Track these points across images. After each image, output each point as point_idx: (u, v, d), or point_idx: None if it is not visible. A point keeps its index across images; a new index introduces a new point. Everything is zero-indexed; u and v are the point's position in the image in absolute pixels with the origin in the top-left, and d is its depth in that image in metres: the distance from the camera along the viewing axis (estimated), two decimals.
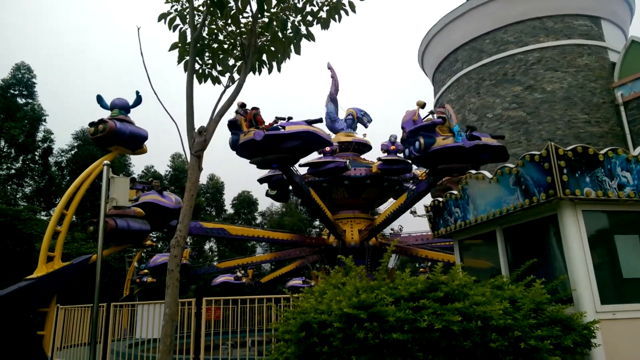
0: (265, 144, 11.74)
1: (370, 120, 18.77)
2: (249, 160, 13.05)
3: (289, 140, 11.94)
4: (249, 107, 12.83)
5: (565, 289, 5.56)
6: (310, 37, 6.38)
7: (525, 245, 6.69)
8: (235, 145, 12.47)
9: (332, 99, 18.37)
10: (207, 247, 39.99)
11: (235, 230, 16.09)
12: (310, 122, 12.58)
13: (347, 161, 15.84)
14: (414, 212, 18.54)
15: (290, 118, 12.50)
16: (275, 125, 12.13)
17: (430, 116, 11.40)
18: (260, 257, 18.39)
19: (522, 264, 5.87)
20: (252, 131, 12.10)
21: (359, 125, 19.36)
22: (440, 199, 8.23)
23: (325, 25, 6.37)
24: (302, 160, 16.26)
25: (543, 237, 6.32)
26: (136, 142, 10.88)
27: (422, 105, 11.26)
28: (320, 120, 13.68)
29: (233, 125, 12.38)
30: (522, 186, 5.93)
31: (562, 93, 22.15)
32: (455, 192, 7.76)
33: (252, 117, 12.53)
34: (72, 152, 34.77)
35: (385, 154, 15.91)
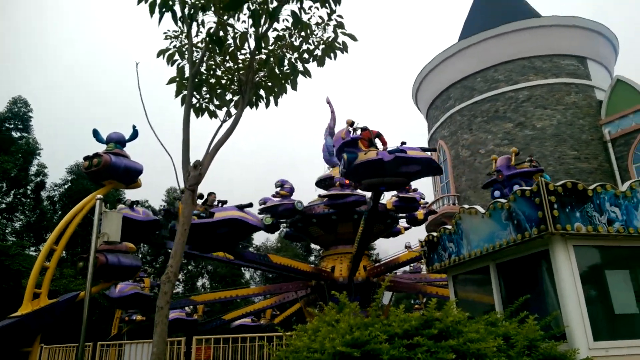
0: (389, 166, 11.01)
1: None
2: (363, 181, 12.46)
3: (412, 164, 11.45)
4: None
5: (559, 325, 5.52)
6: (306, 73, 6.54)
7: (518, 281, 6.67)
8: (350, 165, 11.45)
9: (331, 132, 18.60)
10: (199, 283, 39.34)
11: (276, 259, 15.89)
12: (240, 207, 12.81)
13: (296, 202, 15.82)
14: (408, 247, 18.47)
15: (224, 202, 12.68)
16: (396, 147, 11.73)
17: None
18: (262, 304, 17.97)
19: (516, 300, 5.84)
20: (374, 151, 11.39)
21: None
22: (435, 234, 8.24)
23: (321, 62, 6.54)
24: (321, 192, 16.39)
25: (536, 273, 6.32)
26: (131, 176, 10.88)
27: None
28: (250, 205, 13.96)
29: (352, 143, 11.54)
30: (515, 221, 5.98)
31: (552, 130, 22.60)
32: (449, 226, 7.79)
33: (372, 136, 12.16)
34: (66, 186, 34.60)
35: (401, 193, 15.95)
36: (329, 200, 15.57)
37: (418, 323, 4.65)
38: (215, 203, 13.05)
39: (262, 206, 16.00)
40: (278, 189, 16.07)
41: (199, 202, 12.58)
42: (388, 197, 16.27)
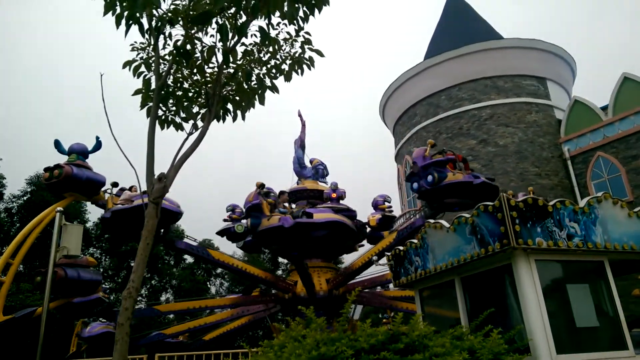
0: (292, 231, 11.25)
1: (327, 174, 19.02)
2: (271, 247, 12.35)
3: (318, 229, 11.66)
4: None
5: (522, 339, 5.64)
6: (274, 89, 6.55)
7: (483, 295, 6.79)
8: (254, 230, 11.84)
9: (302, 145, 18.61)
10: (163, 298, 38.29)
11: (217, 255, 15.34)
12: (336, 210, 12.60)
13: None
14: (375, 261, 18.51)
15: (262, 185, 12.34)
16: (302, 211, 11.80)
17: (439, 155, 12.10)
18: (218, 316, 17.37)
19: (481, 313, 5.93)
20: (277, 216, 11.59)
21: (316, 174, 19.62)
22: (401, 248, 8.32)
23: (288, 77, 6.56)
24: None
25: (500, 286, 6.45)
26: (92, 188, 10.60)
27: (432, 145, 12.06)
28: (347, 210, 13.77)
29: (255, 208, 11.79)
30: (478, 235, 6.10)
31: (514, 147, 23.35)
32: (415, 240, 7.88)
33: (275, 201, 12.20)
34: (25, 197, 33.21)
35: (382, 210, 16.07)
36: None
37: (385, 338, 4.66)
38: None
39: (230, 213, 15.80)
40: (229, 212, 15.97)
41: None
42: (369, 214, 16.46)
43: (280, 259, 37.58)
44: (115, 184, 12.05)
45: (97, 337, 14.29)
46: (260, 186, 12.17)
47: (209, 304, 16.04)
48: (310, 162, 18.63)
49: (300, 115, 19.04)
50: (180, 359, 8.93)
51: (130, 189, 11.91)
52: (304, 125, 18.93)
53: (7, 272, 9.12)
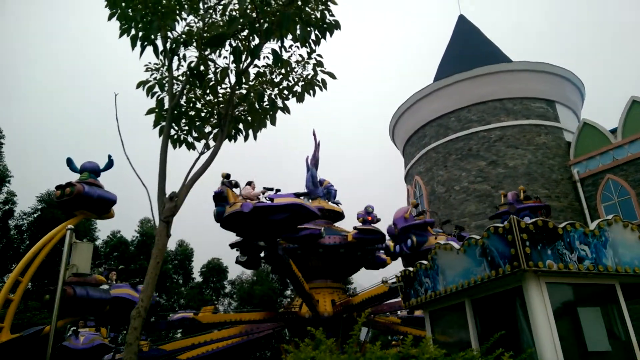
0: (253, 216, 11.43)
1: (335, 195, 19.06)
2: (235, 234, 12.60)
3: (277, 212, 11.65)
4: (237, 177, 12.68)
5: None
6: (285, 110, 6.65)
7: (493, 317, 6.71)
8: (220, 218, 11.99)
9: (316, 164, 18.73)
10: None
11: (206, 318, 15.30)
12: (298, 195, 12.57)
13: (322, 228, 15.78)
14: (385, 282, 18.30)
15: (278, 190, 12.43)
16: (263, 196, 11.98)
17: (422, 215, 11.78)
18: (225, 333, 17.26)
19: (491, 336, 5.85)
20: (240, 203, 11.83)
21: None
22: (411, 269, 8.26)
23: (300, 99, 6.67)
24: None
25: (510, 309, 6.37)
26: (104, 206, 10.69)
27: (415, 205, 11.75)
28: (307, 194, 13.66)
29: (219, 197, 12.08)
30: (488, 257, 6.07)
31: (523, 169, 23.26)
32: (425, 262, 7.83)
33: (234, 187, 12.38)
34: (35, 215, 33.52)
35: (362, 224, 15.91)
36: (359, 233, 15.50)
37: None
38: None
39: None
40: (364, 213, 15.91)
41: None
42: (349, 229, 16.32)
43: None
44: (227, 176, 12.22)
45: (94, 349, 14.22)
46: (226, 176, 12.33)
47: (215, 337, 15.87)
48: (321, 182, 18.69)
49: (314, 135, 19.20)
50: None
51: (250, 184, 12.25)
52: (318, 144, 19.07)
53: (16, 290, 9.17)
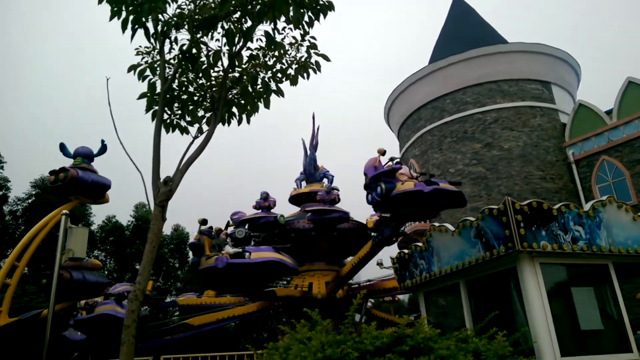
0: (228, 271, 11.50)
1: (332, 181, 19.10)
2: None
3: (254, 269, 11.74)
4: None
5: (527, 341, 5.63)
6: (279, 92, 6.59)
7: (488, 298, 6.79)
8: (195, 269, 12.13)
9: (315, 148, 18.75)
10: (168, 300, 38.30)
11: (199, 320, 15.39)
12: (277, 249, 12.67)
13: (279, 215, 15.82)
14: (380, 264, 18.43)
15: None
16: (240, 251, 11.89)
17: (390, 163, 11.67)
18: (230, 312, 17.41)
19: (486, 316, 5.93)
20: (214, 256, 11.77)
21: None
22: (406, 251, 8.32)
23: (294, 82, 6.60)
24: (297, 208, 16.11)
25: (504, 290, 6.45)
26: (98, 191, 10.62)
27: (382, 153, 11.61)
28: (288, 247, 13.88)
29: (195, 248, 12.13)
30: (483, 239, 6.11)
31: (519, 151, 23.31)
32: (420, 244, 7.88)
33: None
34: (29, 200, 33.40)
35: (321, 204, 15.92)
36: (313, 215, 15.52)
37: (390, 340, 4.66)
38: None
39: (237, 218, 15.83)
40: (261, 200, 15.96)
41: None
42: (368, 216, 16.37)
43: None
44: (203, 222, 12.31)
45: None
46: (202, 222, 12.42)
47: (229, 314, 15.95)
48: (315, 168, 18.71)
49: (313, 119, 19.17)
50: None
51: (227, 227, 12.47)
52: (317, 129, 19.08)
53: (13, 275, 9.17)
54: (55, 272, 7.31)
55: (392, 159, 11.72)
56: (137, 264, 36.48)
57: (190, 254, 15.58)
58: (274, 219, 15.39)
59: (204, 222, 12.65)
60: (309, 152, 18.57)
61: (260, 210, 15.79)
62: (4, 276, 8.59)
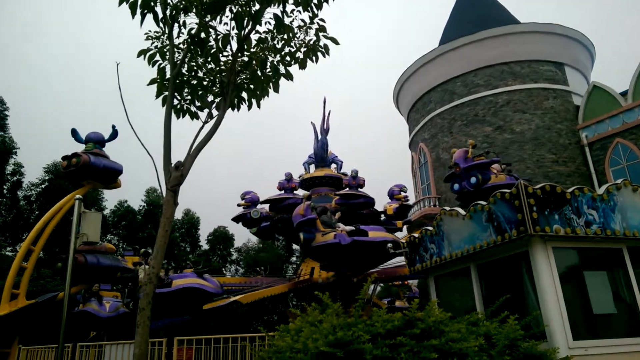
0: (349, 249, 11.46)
1: (341, 167, 19.15)
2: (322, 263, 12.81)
3: (374, 248, 11.66)
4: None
5: (539, 325, 5.63)
6: (288, 76, 6.54)
7: (499, 282, 6.78)
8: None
9: (326, 132, 18.80)
10: None
11: (246, 298, 15.62)
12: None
13: (304, 197, 15.95)
14: (390, 248, 18.49)
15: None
16: (356, 229, 12.00)
17: (482, 156, 11.88)
18: (269, 291, 17.81)
19: (496, 300, 5.93)
20: (333, 232, 11.82)
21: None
22: (416, 235, 8.31)
23: (302, 65, 6.55)
24: (263, 197, 16.31)
25: (516, 274, 6.43)
26: (110, 176, 10.74)
27: (473, 145, 11.93)
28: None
29: (309, 223, 12.01)
30: (495, 223, 6.07)
31: (530, 134, 23.02)
32: (430, 228, 7.86)
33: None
34: (43, 186, 33.85)
35: (347, 189, 16.04)
36: (341, 198, 15.60)
37: (400, 323, 4.69)
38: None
39: (247, 198, 15.96)
40: (285, 182, 16.09)
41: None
42: (385, 202, 16.49)
43: (295, 246, 37.79)
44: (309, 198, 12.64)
45: (119, 317, 14.69)
46: (474, 145, 12.34)
47: (267, 294, 16.29)
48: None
49: (324, 103, 19.18)
50: (198, 342, 9.11)
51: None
52: (328, 113, 19.08)
53: (29, 259, 9.34)
54: (70, 256, 7.43)
55: (487, 152, 11.98)
56: (150, 248, 36.98)
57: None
58: (301, 200, 15.48)
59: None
60: (319, 136, 18.57)
61: (283, 192, 15.87)
62: (21, 260, 8.76)
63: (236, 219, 15.94)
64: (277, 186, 16.32)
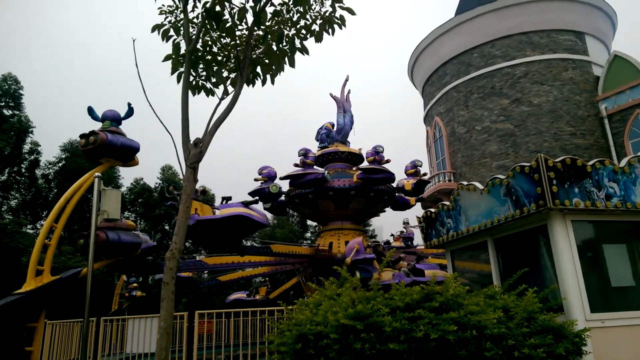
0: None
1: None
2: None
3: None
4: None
5: (556, 298, 5.64)
6: (304, 50, 6.47)
7: (516, 255, 6.77)
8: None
9: (344, 110, 18.76)
10: (198, 258, 39.61)
11: (227, 277, 15.97)
12: (246, 204, 12.84)
13: (326, 172, 15.94)
14: (406, 223, 18.60)
15: (229, 198, 12.75)
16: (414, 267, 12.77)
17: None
18: (258, 270, 18.11)
19: (514, 274, 5.94)
20: (392, 272, 12.84)
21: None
22: (433, 210, 8.31)
23: (318, 38, 6.45)
24: (282, 173, 16.48)
25: (534, 247, 6.41)
26: (127, 154, 10.82)
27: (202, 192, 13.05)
28: (256, 202, 14.15)
29: (367, 262, 12.48)
30: (513, 197, 6.03)
31: (548, 106, 22.58)
32: (447, 202, 7.85)
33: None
34: (60, 164, 34.42)
35: (368, 164, 16.00)
36: (291, 181, 15.68)
37: (419, 296, 4.74)
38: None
39: (264, 173, 16.12)
40: (301, 157, 16.13)
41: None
42: (401, 178, 16.59)
43: (309, 222, 38.09)
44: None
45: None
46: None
47: (247, 260, 16.60)
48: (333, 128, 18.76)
49: (346, 81, 19.16)
50: (219, 315, 9.32)
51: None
52: (349, 92, 19.04)
53: (52, 236, 9.55)
54: (92, 232, 7.59)
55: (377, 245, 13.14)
56: (166, 224, 37.57)
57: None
58: (322, 175, 15.53)
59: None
60: (346, 110, 18.54)
61: (302, 167, 15.94)
62: (44, 237, 8.97)
63: (252, 194, 16.05)
64: (295, 163, 16.37)
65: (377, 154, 15.83)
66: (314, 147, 18.80)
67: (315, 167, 16.25)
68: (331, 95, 18.98)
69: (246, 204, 12.86)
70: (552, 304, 5.60)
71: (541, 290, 5.54)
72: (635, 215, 6.03)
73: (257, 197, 14.72)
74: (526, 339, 4.44)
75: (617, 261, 5.97)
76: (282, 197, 17.52)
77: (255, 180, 16.35)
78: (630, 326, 5.54)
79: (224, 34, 6.64)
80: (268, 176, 16.15)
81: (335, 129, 18.57)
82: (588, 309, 5.46)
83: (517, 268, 6.04)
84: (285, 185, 17.21)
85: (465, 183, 7.28)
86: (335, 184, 16.06)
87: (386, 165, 16.05)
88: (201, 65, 6.87)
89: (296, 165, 16.13)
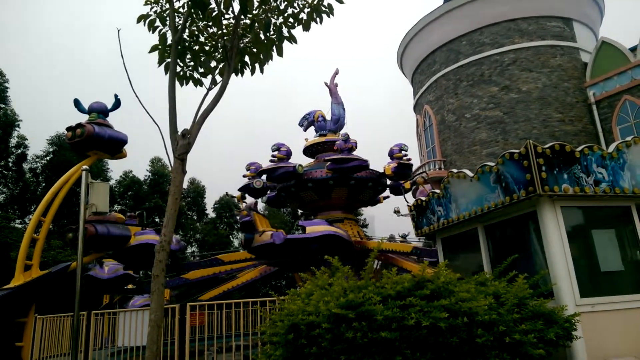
0: (284, 247, 12.04)
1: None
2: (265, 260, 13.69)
3: (310, 243, 12.11)
4: None
5: (546, 284, 5.70)
6: (292, 39, 6.39)
7: (506, 242, 6.82)
8: (248, 246, 12.68)
9: (338, 102, 18.68)
10: (188, 251, 39.49)
11: (208, 295, 15.91)
12: (330, 222, 13.05)
13: (297, 165, 15.89)
14: (397, 212, 18.63)
15: (266, 185, 12.66)
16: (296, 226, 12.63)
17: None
18: (247, 276, 17.93)
19: (504, 260, 5.98)
20: (270, 232, 12.32)
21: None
22: (423, 198, 8.33)
23: (306, 27, 6.37)
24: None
25: (524, 233, 6.46)
26: (115, 146, 10.72)
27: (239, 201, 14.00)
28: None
29: (248, 225, 12.67)
30: (503, 184, 6.05)
31: (537, 93, 22.67)
32: (437, 191, 7.86)
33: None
34: (48, 157, 33.95)
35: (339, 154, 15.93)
36: (333, 164, 15.58)
37: (410, 285, 4.75)
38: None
39: (255, 168, 16.07)
40: (275, 152, 16.07)
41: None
42: (385, 163, 16.42)
43: (301, 211, 38.09)
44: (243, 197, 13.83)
45: (118, 279, 15.31)
46: (242, 198, 13.74)
47: (236, 265, 16.57)
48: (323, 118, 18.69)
49: (336, 74, 19.05)
50: (210, 307, 9.31)
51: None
52: (336, 86, 18.94)
53: (40, 230, 9.44)
54: (81, 226, 7.51)
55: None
56: (157, 217, 37.36)
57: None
58: (293, 168, 15.47)
59: (243, 197, 13.21)
60: (338, 100, 18.45)
61: (277, 161, 15.89)
62: (32, 231, 8.87)
63: (242, 189, 16.07)
64: (270, 159, 16.43)
65: (345, 142, 15.76)
66: (301, 137, 18.78)
67: (289, 160, 16.16)
68: (326, 84, 18.88)
69: (330, 222, 13.29)
70: (543, 289, 5.66)
71: (531, 276, 5.59)
72: (623, 200, 6.09)
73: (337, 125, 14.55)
74: (517, 324, 4.48)
75: (606, 246, 6.03)
76: (274, 192, 17.60)
77: (244, 176, 16.32)
78: (620, 310, 5.62)
79: (210, 23, 6.54)
80: (255, 172, 16.18)
81: (330, 118, 18.49)
82: (578, 294, 5.52)
83: (507, 255, 6.08)
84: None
85: (455, 171, 7.29)
86: (314, 175, 16.07)
87: (372, 154, 16.08)
88: (188, 56, 6.77)
89: (244, 176, 16.31)
